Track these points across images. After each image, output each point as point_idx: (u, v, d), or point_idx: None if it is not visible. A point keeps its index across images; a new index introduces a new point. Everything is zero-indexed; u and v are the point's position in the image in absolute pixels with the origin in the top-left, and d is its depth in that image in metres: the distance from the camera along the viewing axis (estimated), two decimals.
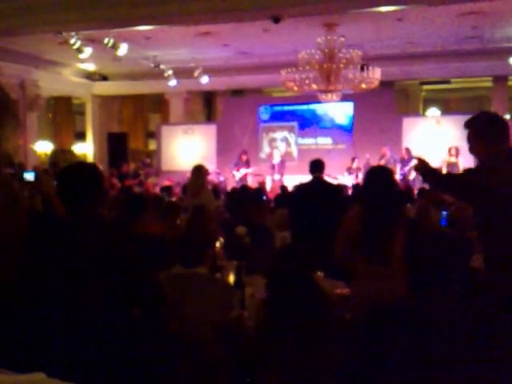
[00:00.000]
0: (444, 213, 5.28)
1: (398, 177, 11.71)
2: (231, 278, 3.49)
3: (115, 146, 15.33)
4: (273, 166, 12.52)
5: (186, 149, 14.70)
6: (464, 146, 12.89)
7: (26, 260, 2.15)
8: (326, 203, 5.11)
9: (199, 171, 5.82)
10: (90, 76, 15.62)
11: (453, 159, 11.60)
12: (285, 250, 2.70)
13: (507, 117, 14.27)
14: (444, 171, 11.49)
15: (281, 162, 12.56)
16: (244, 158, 12.73)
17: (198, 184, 5.70)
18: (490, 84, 14.71)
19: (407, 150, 12.28)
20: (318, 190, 5.34)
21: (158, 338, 2.60)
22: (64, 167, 2.60)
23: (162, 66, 13.13)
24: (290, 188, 8.97)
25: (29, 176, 10.99)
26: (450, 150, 11.66)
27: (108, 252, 2.23)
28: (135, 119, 17.70)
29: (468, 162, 12.13)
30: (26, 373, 1.50)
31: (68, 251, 2.22)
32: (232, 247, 4.27)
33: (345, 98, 11.95)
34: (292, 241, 4.93)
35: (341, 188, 6.57)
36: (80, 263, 2.19)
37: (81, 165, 2.76)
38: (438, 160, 11.82)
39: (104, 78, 15.91)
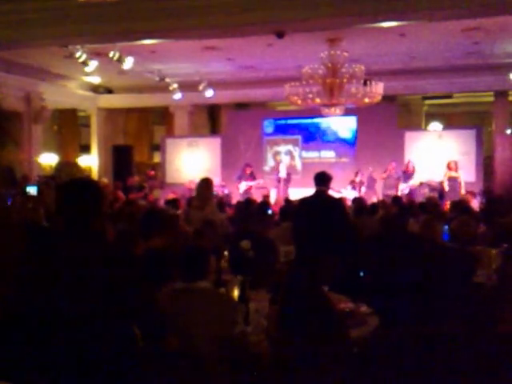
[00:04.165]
0: (445, 227, 5.28)
1: (400, 191, 11.75)
2: (235, 293, 3.50)
3: (120, 158, 15.39)
4: (279, 180, 12.57)
5: (191, 161, 14.77)
6: (463, 160, 12.94)
7: (25, 273, 2.16)
8: (327, 217, 5.13)
9: (206, 184, 5.85)
10: (95, 89, 15.74)
11: (453, 173, 11.64)
12: (296, 264, 2.71)
13: (508, 131, 14.34)
14: (445, 185, 11.61)
15: (287, 175, 12.61)
16: (248, 170, 12.77)
17: (204, 197, 5.73)
18: (491, 99, 14.78)
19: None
20: (320, 204, 5.35)
21: (160, 353, 2.59)
22: (64, 181, 2.59)
23: (166, 80, 13.22)
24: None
25: (32, 190, 11.07)
26: (449, 165, 11.70)
27: (100, 269, 2.20)
28: (140, 132, 17.79)
29: (468, 176, 12.26)
30: None
31: (60, 265, 2.20)
32: (236, 261, 4.28)
33: (348, 112, 12.02)
34: (300, 255, 4.93)
35: (342, 201, 6.59)
36: (70, 279, 2.16)
37: (81, 181, 2.73)
38: (439, 174, 11.89)
39: (109, 91, 16.03)
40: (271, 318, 2.97)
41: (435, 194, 11.34)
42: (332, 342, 2.37)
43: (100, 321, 2.15)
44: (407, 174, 12.10)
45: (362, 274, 3.82)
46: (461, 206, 7.27)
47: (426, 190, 11.76)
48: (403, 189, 11.89)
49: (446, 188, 11.56)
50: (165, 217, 4.67)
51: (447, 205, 9.66)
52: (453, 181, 11.57)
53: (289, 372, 2.48)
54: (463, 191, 11.40)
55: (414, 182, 11.95)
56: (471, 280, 3.94)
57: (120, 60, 10.32)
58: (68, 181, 2.55)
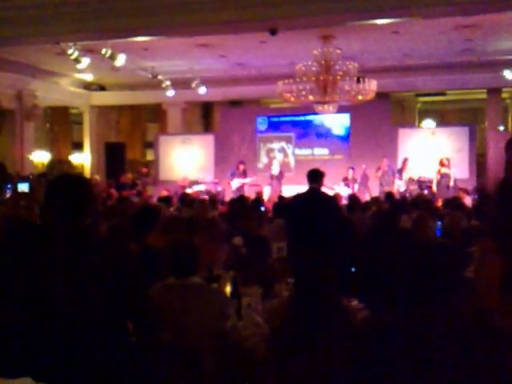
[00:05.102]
0: (439, 223, 5.32)
1: (395, 187, 11.79)
2: (228, 289, 3.51)
3: (113, 155, 15.37)
4: (272, 177, 12.59)
5: (184, 159, 14.75)
6: (456, 157, 12.99)
7: (21, 271, 2.16)
8: (321, 214, 5.15)
9: (202, 205, 5.97)
10: (87, 86, 15.69)
11: (445, 170, 11.72)
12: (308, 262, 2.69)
13: (501, 128, 14.41)
14: (435, 181, 11.71)
15: (280, 172, 12.63)
16: (241, 168, 12.77)
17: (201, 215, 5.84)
18: (484, 96, 14.86)
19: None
20: (313, 201, 5.36)
21: (153, 349, 2.59)
22: (53, 178, 2.58)
23: (159, 77, 13.19)
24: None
25: (23, 186, 11.02)
26: (441, 161, 11.79)
27: (94, 265, 2.20)
28: (133, 129, 17.76)
29: (461, 173, 12.33)
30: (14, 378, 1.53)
31: (54, 262, 2.20)
32: (228, 257, 4.28)
33: (341, 110, 12.04)
34: (296, 251, 4.93)
35: (335, 199, 6.62)
36: (64, 276, 2.16)
37: (70, 176, 2.70)
38: (432, 171, 11.94)
39: (102, 88, 15.97)
40: (276, 310, 2.97)
41: (425, 191, 11.42)
42: (339, 337, 2.37)
43: (95, 316, 2.15)
44: (402, 172, 12.17)
45: (353, 269, 3.84)
46: (453, 202, 7.31)
47: (415, 187, 11.82)
48: (399, 185, 11.95)
49: (435, 185, 11.67)
50: (169, 218, 4.68)
51: (439, 201, 9.72)
52: (444, 177, 11.65)
53: (286, 366, 2.47)
54: (452, 185, 11.53)
55: (404, 178, 12.02)
56: (463, 275, 3.95)
57: (112, 57, 10.28)
58: (57, 176, 2.53)
